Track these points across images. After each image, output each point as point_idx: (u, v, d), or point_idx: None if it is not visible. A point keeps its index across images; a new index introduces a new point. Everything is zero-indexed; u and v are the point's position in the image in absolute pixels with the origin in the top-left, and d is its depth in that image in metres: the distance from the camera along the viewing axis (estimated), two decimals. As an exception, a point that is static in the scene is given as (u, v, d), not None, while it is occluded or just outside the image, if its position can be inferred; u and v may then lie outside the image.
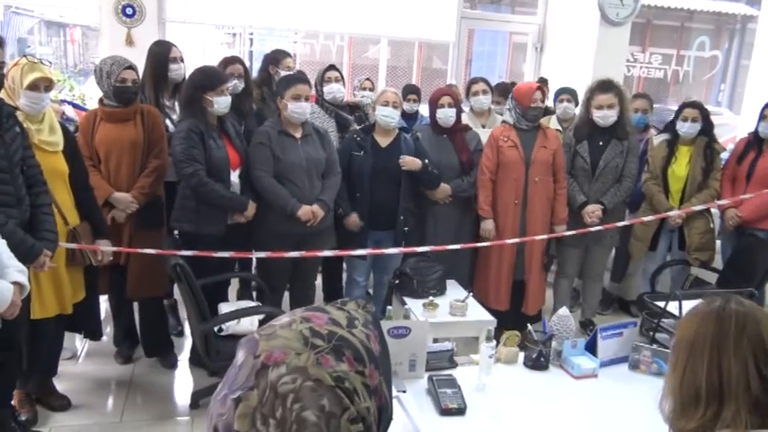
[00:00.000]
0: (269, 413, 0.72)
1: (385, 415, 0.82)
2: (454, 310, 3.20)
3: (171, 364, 3.50)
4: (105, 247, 2.99)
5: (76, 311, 2.96)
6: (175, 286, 3.48)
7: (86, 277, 3.03)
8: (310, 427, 0.71)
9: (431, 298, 3.25)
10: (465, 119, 4.11)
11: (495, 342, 2.09)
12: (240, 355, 0.78)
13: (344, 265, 4.11)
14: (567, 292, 4.17)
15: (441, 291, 3.45)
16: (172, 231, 3.41)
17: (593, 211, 3.79)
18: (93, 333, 3.22)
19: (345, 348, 0.77)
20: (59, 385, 3.15)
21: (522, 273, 3.79)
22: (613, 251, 4.37)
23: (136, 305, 3.52)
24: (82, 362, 3.57)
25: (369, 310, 0.87)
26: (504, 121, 3.87)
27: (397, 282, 3.49)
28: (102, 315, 3.83)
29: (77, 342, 3.68)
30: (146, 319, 3.49)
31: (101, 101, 3.24)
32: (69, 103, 4.39)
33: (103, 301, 3.82)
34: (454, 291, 3.48)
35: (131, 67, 3.19)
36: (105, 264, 3.06)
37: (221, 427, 0.74)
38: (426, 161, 3.60)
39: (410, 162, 3.58)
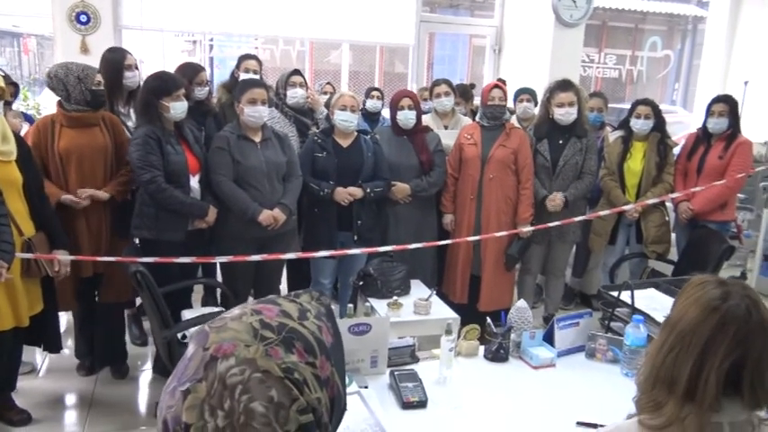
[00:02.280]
0: (217, 405, 0.72)
1: (338, 406, 0.82)
2: (418, 308, 3.22)
3: (122, 374, 3.45)
4: (62, 257, 2.93)
5: (35, 324, 2.90)
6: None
7: (44, 289, 2.98)
8: (258, 418, 0.71)
9: (395, 298, 3.27)
10: (428, 120, 4.17)
11: (455, 335, 2.12)
12: (191, 348, 0.78)
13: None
14: (531, 288, 4.25)
15: (405, 290, 3.46)
16: (132, 239, 3.37)
17: (554, 198, 3.85)
18: (53, 346, 3.16)
19: (296, 340, 0.78)
20: (19, 400, 3.08)
21: (479, 268, 3.86)
22: (574, 248, 4.46)
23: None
24: (42, 376, 3.50)
25: (322, 302, 0.87)
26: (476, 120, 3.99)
27: (361, 283, 3.50)
28: (64, 327, 3.79)
29: (37, 356, 3.61)
30: (104, 326, 3.43)
31: (61, 106, 3.16)
32: (25, 115, 4.30)
33: (64, 314, 3.77)
34: (418, 290, 3.50)
35: (100, 72, 3.19)
36: (61, 276, 3.00)
37: (170, 419, 0.74)
38: (367, 189, 3.62)
39: (353, 192, 3.58)
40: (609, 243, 4.22)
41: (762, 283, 4.93)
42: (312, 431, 0.76)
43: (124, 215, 3.26)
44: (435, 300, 3.31)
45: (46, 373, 3.54)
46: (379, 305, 3.23)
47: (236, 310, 0.82)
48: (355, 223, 3.66)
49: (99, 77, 3.16)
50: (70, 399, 3.30)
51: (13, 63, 12.14)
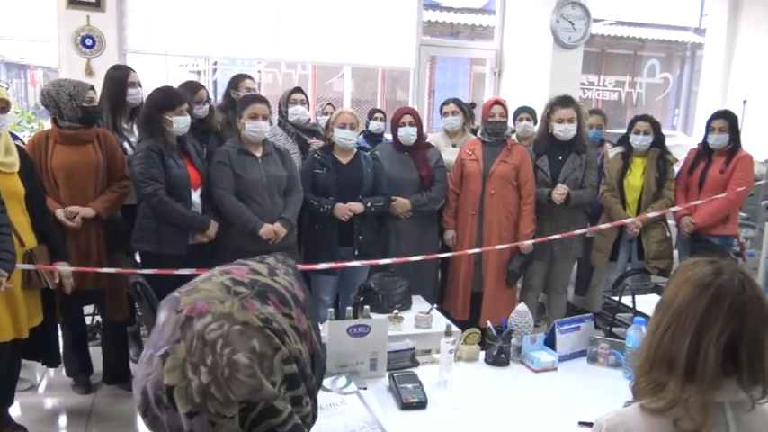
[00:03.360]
0: (199, 361, 0.70)
1: (318, 363, 0.82)
2: (419, 322, 3.20)
3: (131, 387, 3.41)
4: (63, 268, 2.93)
5: (34, 337, 2.89)
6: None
7: (44, 301, 2.97)
8: (243, 369, 0.70)
9: (396, 311, 3.26)
10: (438, 138, 4.26)
11: (454, 337, 2.10)
12: (162, 315, 0.76)
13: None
14: (534, 306, 4.21)
15: (406, 305, 3.44)
16: (132, 253, 3.37)
17: (558, 189, 3.82)
18: (52, 360, 3.14)
19: (270, 293, 0.77)
20: (16, 416, 3.05)
21: (480, 285, 3.84)
22: (576, 265, 4.44)
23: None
24: (41, 392, 3.47)
25: (289, 263, 0.87)
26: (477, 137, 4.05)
27: (362, 298, 3.49)
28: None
29: (36, 373, 3.59)
30: (110, 343, 3.42)
31: (55, 123, 3.19)
32: (12, 134, 4.31)
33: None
34: (419, 305, 3.48)
35: (93, 88, 3.22)
36: (68, 291, 3.00)
37: (150, 387, 0.73)
38: (368, 204, 3.63)
39: (353, 207, 3.59)
40: (610, 259, 4.20)
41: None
42: (297, 382, 0.76)
43: (117, 229, 3.28)
44: (436, 314, 3.29)
45: (45, 389, 3.51)
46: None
47: (203, 275, 0.81)
48: (356, 238, 3.66)
49: (91, 94, 3.18)
50: (68, 414, 3.27)
51: (19, 94, 12.32)
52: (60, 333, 3.32)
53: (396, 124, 3.88)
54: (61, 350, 3.23)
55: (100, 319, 3.76)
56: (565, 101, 3.93)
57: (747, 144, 4.42)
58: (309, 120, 4.16)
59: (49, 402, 3.38)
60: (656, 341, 1.20)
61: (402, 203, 3.79)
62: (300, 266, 3.45)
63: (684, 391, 1.14)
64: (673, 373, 1.16)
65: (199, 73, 8.13)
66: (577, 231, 3.85)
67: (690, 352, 1.15)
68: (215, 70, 7.43)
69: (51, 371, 3.61)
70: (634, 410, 1.22)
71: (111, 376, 3.44)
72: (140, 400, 0.76)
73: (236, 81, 4.15)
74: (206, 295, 0.76)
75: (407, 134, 3.84)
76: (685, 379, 1.15)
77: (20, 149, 2.92)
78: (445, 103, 4.41)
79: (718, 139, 3.99)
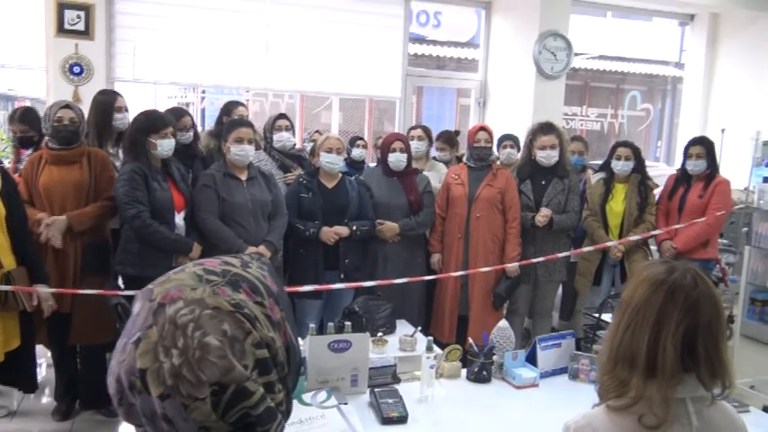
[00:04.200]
0: (170, 344, 0.71)
1: (293, 357, 0.82)
2: (404, 345, 3.18)
3: (111, 412, 3.36)
4: (42, 290, 2.91)
5: (10, 361, 2.85)
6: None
7: (22, 325, 2.94)
8: (214, 351, 0.71)
9: (380, 334, 3.24)
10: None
11: (435, 353, 2.10)
12: (137, 305, 0.77)
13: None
14: (519, 330, 4.21)
15: (390, 329, 3.42)
16: (116, 275, 3.35)
17: (541, 212, 3.86)
18: (28, 385, 3.09)
19: (242, 282, 0.78)
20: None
21: (467, 308, 3.85)
22: (561, 291, 4.46)
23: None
24: (17, 419, 3.40)
25: (264, 261, 0.88)
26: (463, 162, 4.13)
27: (346, 322, 3.47)
28: (44, 371, 3.71)
29: (14, 400, 3.53)
30: (87, 368, 3.36)
31: (46, 144, 3.25)
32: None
33: (44, 356, 3.70)
34: (404, 329, 3.47)
35: (68, 107, 3.22)
36: (46, 314, 2.98)
37: (124, 373, 0.73)
38: (353, 227, 3.65)
39: (339, 231, 3.60)
40: (594, 284, 4.23)
41: (747, 327, 4.91)
42: (269, 367, 0.76)
43: (100, 252, 3.26)
44: (420, 337, 3.28)
45: (22, 416, 3.44)
46: (364, 342, 3.20)
47: (177, 268, 0.82)
48: (342, 262, 3.66)
49: (62, 113, 3.18)
50: (46, 442, 3.20)
51: (7, 126, 12.35)
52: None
53: (386, 150, 3.92)
54: (44, 374, 3.19)
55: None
56: (546, 128, 4.00)
57: (726, 172, 4.52)
58: (295, 145, 4.19)
59: (27, 429, 3.31)
60: (617, 340, 1.24)
61: (390, 227, 3.81)
62: (286, 288, 3.44)
63: (647, 388, 1.18)
64: (635, 370, 1.20)
65: (187, 105, 8.22)
66: (561, 254, 3.88)
67: (649, 347, 1.19)
68: (203, 98, 7.50)
69: (31, 398, 3.56)
70: (600, 411, 1.25)
71: (89, 402, 3.38)
72: (115, 387, 0.76)
73: (230, 108, 4.20)
74: (178, 284, 0.77)
75: (398, 160, 3.88)
76: (647, 374, 1.19)
77: (3, 171, 2.93)
78: (412, 128, 4.53)
79: (696, 165, 4.06)
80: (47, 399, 3.49)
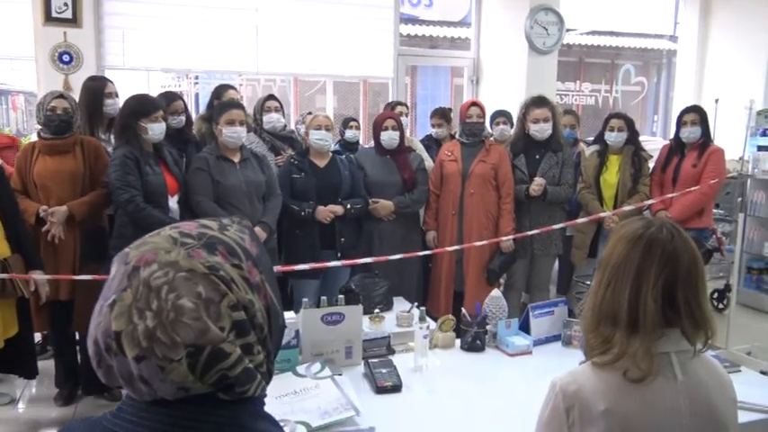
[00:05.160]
0: (144, 306, 0.72)
1: (275, 319, 0.82)
2: (401, 321, 3.19)
3: (114, 396, 3.38)
4: (38, 276, 2.92)
5: (10, 348, 2.87)
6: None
7: (19, 312, 2.95)
8: (188, 313, 0.72)
9: (377, 311, 3.26)
10: None
11: (428, 324, 2.11)
12: (113, 269, 0.78)
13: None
14: (517, 305, 4.22)
15: (387, 306, 3.44)
16: (112, 260, 3.36)
17: (538, 182, 3.85)
18: (28, 371, 3.11)
19: (218, 244, 0.78)
20: (-5, 430, 3.03)
21: (462, 284, 3.87)
22: (557, 265, 4.47)
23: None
24: (21, 406, 3.44)
25: (245, 225, 0.87)
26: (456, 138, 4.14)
27: (341, 296, 3.49)
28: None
29: (17, 388, 3.55)
30: (86, 355, 3.39)
31: (39, 134, 3.26)
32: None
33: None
34: (401, 306, 3.49)
35: (62, 96, 3.22)
36: (43, 300, 2.99)
37: (100, 335, 0.74)
38: (347, 206, 3.65)
39: (334, 210, 3.61)
40: (589, 256, 4.24)
41: (744, 295, 4.93)
42: (246, 329, 0.76)
43: (98, 239, 3.27)
44: (417, 312, 3.29)
45: (25, 403, 3.47)
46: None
47: (154, 231, 0.82)
48: (338, 241, 3.67)
49: (56, 102, 3.19)
50: (49, 427, 3.23)
51: (1, 120, 12.28)
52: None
53: (378, 128, 3.92)
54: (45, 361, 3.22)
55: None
56: (539, 101, 3.99)
57: (721, 142, 4.51)
58: (285, 126, 4.18)
59: (30, 416, 3.34)
60: (599, 298, 1.25)
61: (385, 206, 3.82)
62: (282, 267, 3.46)
63: (630, 343, 1.20)
64: (618, 327, 1.22)
65: (182, 93, 8.19)
66: (556, 226, 3.88)
67: (630, 303, 1.21)
68: (196, 83, 7.47)
69: (33, 385, 3.58)
70: (585, 368, 1.26)
71: (92, 387, 3.40)
72: (93, 350, 0.77)
73: (220, 91, 4.18)
74: (153, 247, 0.77)
75: (390, 138, 3.88)
76: (629, 330, 1.21)
77: (-6, 161, 2.93)
78: (398, 104, 4.65)
79: (692, 132, 4.06)
80: (49, 387, 3.51)
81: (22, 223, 3.00)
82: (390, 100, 6.23)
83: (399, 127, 3.94)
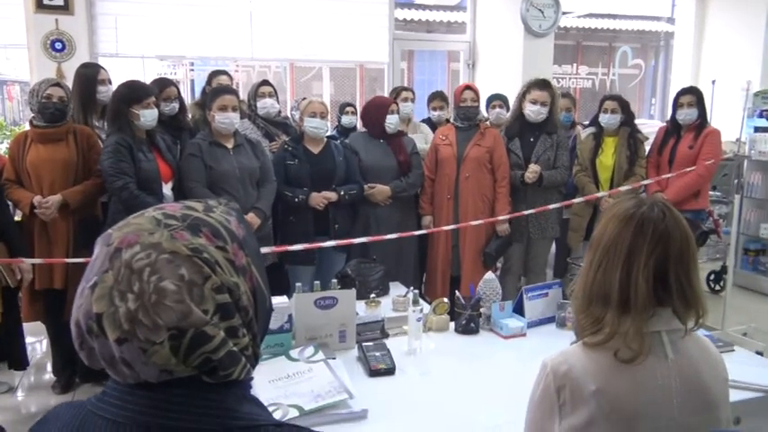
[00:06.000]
0: (126, 288, 0.71)
1: (261, 302, 0.81)
2: (397, 305, 3.18)
3: None
4: (25, 263, 2.92)
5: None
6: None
7: (5, 302, 2.95)
8: (171, 296, 0.71)
9: (373, 295, 3.26)
10: None
11: (421, 306, 2.11)
12: (95, 251, 0.77)
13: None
14: (514, 289, 4.23)
15: (384, 291, 3.43)
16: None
17: (533, 170, 3.85)
18: (18, 362, 3.11)
19: (202, 226, 0.77)
20: (-6, 418, 3.04)
21: (458, 269, 3.87)
22: (554, 248, 4.47)
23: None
24: (19, 395, 3.45)
25: (232, 206, 0.86)
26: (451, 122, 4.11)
27: (335, 280, 3.49)
28: (44, 346, 3.74)
29: (15, 377, 3.56)
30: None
31: (31, 122, 3.24)
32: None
33: (42, 333, 3.72)
34: (398, 290, 3.48)
35: (59, 84, 3.20)
36: (25, 284, 2.99)
37: (82, 316, 0.73)
38: (341, 192, 3.64)
39: (328, 196, 3.60)
40: (586, 239, 4.23)
41: (740, 276, 4.94)
42: (231, 312, 0.75)
43: (92, 227, 3.26)
44: (412, 296, 3.29)
45: (24, 391, 3.48)
46: (357, 305, 3.22)
47: (138, 212, 0.81)
48: (332, 227, 3.67)
49: (51, 90, 3.17)
50: (47, 415, 3.24)
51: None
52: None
53: (383, 112, 3.87)
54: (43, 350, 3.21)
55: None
56: (542, 83, 3.96)
57: (718, 123, 4.49)
58: (280, 112, 4.16)
59: (28, 404, 3.35)
60: (590, 278, 1.24)
61: (382, 190, 3.81)
62: (276, 248, 3.45)
63: (621, 323, 1.19)
64: (609, 306, 1.21)
65: (178, 82, 8.14)
66: (552, 206, 3.87)
67: (622, 283, 1.20)
68: (192, 70, 7.43)
69: (31, 374, 3.60)
70: (577, 348, 1.26)
71: (89, 374, 3.41)
72: (75, 332, 0.76)
73: (212, 77, 4.17)
74: (136, 228, 0.76)
75: (396, 121, 3.88)
76: (621, 310, 1.20)
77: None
78: (404, 89, 4.58)
79: (688, 114, 4.03)
80: (47, 374, 3.52)
81: (7, 209, 3.00)
82: (387, 85, 6.22)
83: (397, 111, 3.93)
